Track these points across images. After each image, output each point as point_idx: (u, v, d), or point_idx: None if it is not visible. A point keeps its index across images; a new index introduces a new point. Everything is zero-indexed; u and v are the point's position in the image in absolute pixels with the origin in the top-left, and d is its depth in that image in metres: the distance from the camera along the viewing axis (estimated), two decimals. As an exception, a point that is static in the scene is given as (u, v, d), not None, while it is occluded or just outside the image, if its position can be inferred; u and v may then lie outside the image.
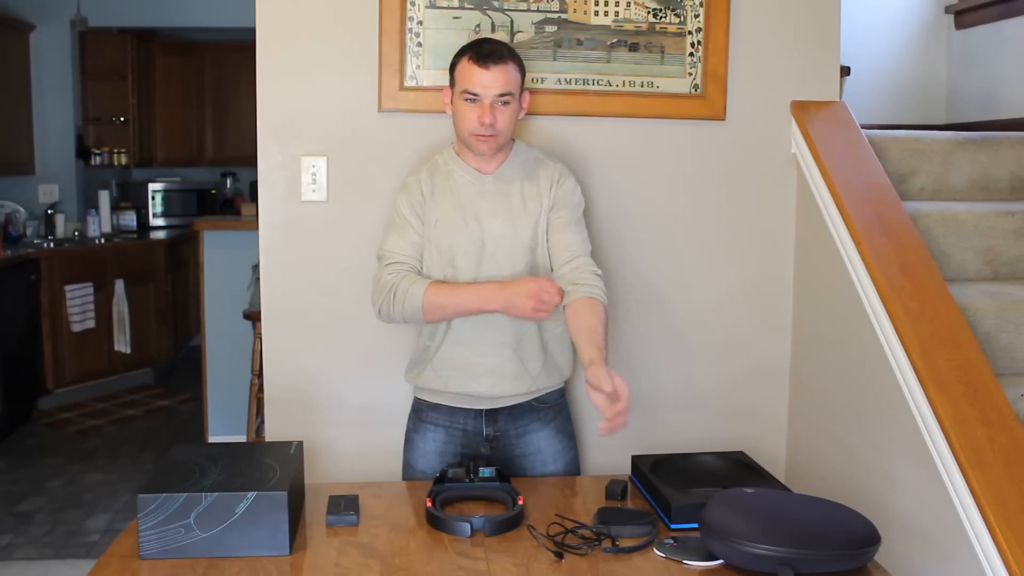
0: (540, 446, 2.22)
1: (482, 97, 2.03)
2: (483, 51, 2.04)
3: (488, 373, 2.12)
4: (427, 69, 2.45)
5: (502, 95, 2.03)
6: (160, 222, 7.05)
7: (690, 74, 2.54)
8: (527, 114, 2.31)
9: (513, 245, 2.11)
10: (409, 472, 2.23)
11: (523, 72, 2.10)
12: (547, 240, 2.13)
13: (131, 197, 6.99)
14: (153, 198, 7.06)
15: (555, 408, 2.25)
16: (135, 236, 6.46)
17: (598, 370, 1.82)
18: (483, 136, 2.05)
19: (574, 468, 2.27)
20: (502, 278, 2.07)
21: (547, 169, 2.17)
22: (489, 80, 2.02)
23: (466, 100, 2.04)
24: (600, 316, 2.00)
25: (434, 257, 2.12)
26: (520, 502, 1.80)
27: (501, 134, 2.07)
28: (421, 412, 2.23)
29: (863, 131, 2.55)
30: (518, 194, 2.13)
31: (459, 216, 2.11)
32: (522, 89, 2.11)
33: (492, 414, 2.18)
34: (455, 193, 2.13)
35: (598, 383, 1.80)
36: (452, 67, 2.10)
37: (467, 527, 1.72)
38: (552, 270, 2.12)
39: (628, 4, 2.50)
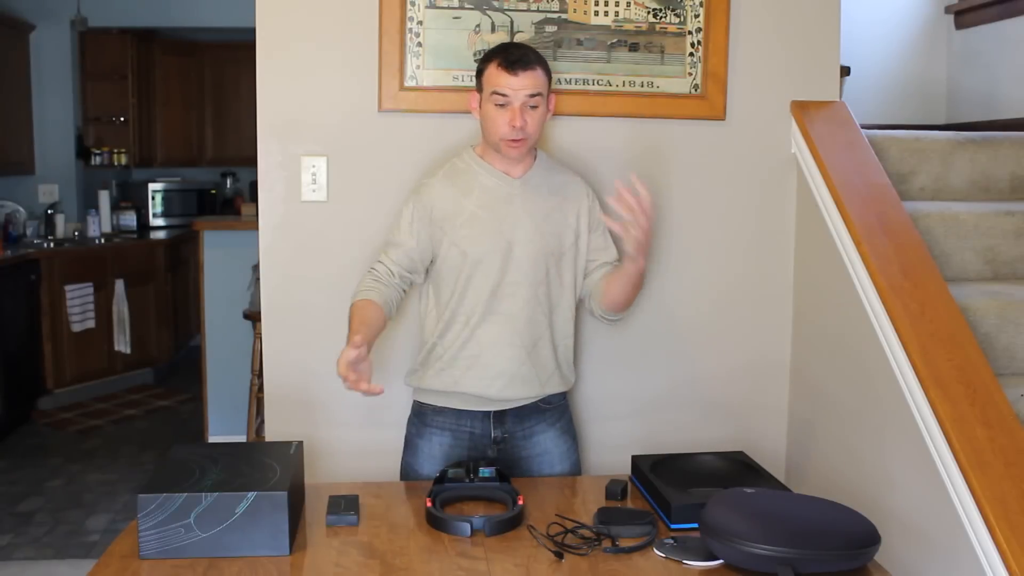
0: (547, 447, 2.22)
1: (512, 100, 2.03)
2: (511, 57, 2.05)
3: (499, 375, 2.12)
4: (427, 69, 2.45)
5: (532, 96, 2.04)
6: (160, 222, 7.05)
7: (690, 74, 2.54)
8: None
9: (538, 251, 2.12)
10: (411, 476, 2.21)
11: (550, 75, 2.11)
12: (586, 255, 2.19)
13: (131, 197, 6.99)
14: (153, 198, 7.06)
15: (559, 409, 2.25)
16: (135, 236, 6.46)
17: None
18: (514, 141, 2.06)
19: (578, 469, 2.28)
20: (522, 284, 2.11)
21: (574, 185, 2.21)
22: (518, 84, 2.03)
23: (496, 104, 2.05)
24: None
25: (456, 259, 2.12)
26: (520, 502, 1.80)
27: (531, 137, 2.08)
28: (425, 416, 2.22)
29: (863, 131, 2.54)
30: (545, 202, 2.15)
31: (486, 219, 2.11)
32: (549, 91, 2.12)
33: (499, 416, 2.18)
34: (481, 195, 2.13)
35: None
36: (479, 73, 2.11)
37: (467, 527, 1.72)
38: (585, 277, 2.21)
39: (628, 4, 2.50)
